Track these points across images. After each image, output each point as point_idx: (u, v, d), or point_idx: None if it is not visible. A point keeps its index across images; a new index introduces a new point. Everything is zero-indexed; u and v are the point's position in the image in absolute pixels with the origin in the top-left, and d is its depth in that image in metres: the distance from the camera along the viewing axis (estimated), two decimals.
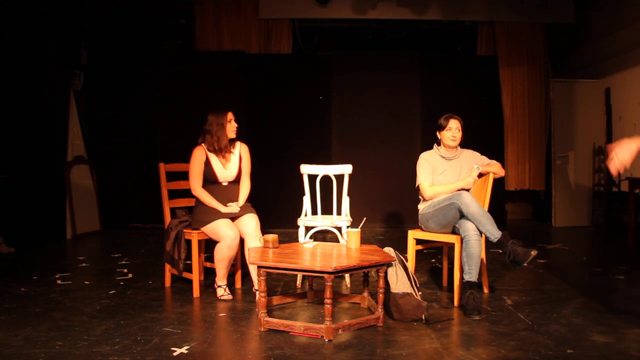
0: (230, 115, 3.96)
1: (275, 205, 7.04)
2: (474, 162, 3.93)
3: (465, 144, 4.00)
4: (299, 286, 4.03)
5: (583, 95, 7.51)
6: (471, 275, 3.44)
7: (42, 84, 6.34)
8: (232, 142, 4.01)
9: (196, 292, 3.83)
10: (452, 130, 3.87)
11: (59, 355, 2.68)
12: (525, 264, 3.45)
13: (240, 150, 4.05)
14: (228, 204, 3.89)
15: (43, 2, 6.29)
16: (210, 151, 3.93)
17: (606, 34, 7.19)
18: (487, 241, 3.58)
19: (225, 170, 3.95)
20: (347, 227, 4.03)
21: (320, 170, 4.28)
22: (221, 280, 3.80)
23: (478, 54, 7.82)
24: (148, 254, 5.43)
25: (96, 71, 7.29)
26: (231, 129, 3.94)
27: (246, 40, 7.58)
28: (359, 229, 3.51)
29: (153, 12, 7.55)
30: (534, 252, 3.37)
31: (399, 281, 3.27)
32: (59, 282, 4.25)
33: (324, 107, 7.44)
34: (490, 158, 4.00)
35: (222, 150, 3.93)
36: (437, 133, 3.95)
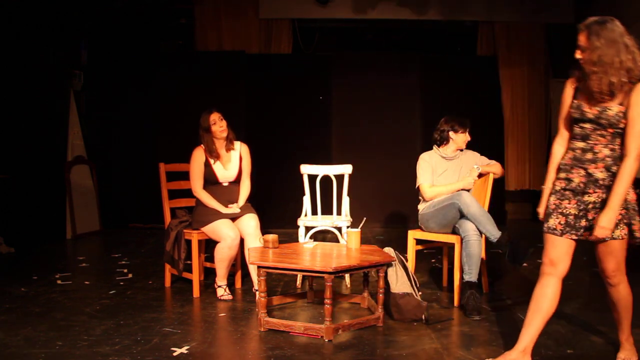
0: (213, 117, 3.87)
1: (275, 205, 7.04)
2: (474, 162, 3.92)
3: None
4: (299, 286, 4.03)
5: None
6: (471, 275, 3.44)
7: (42, 84, 6.33)
8: (229, 140, 3.98)
9: (196, 292, 3.83)
10: (466, 134, 3.89)
11: (59, 355, 2.68)
12: (525, 264, 3.45)
13: (241, 151, 4.04)
14: (228, 206, 3.89)
15: (43, 2, 6.28)
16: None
17: None
18: (487, 241, 3.58)
19: (225, 171, 3.95)
20: (347, 227, 4.03)
21: (320, 170, 4.28)
22: (221, 280, 3.80)
23: (478, 54, 7.81)
24: (148, 254, 5.42)
25: (96, 71, 7.28)
26: (218, 129, 3.88)
27: (246, 40, 7.56)
28: (359, 229, 3.51)
29: (153, 12, 7.54)
30: (532, 251, 3.38)
31: (399, 281, 3.28)
32: (59, 282, 4.25)
33: (324, 107, 7.43)
34: (490, 158, 4.00)
35: (215, 152, 3.91)
36: (449, 132, 3.87)
